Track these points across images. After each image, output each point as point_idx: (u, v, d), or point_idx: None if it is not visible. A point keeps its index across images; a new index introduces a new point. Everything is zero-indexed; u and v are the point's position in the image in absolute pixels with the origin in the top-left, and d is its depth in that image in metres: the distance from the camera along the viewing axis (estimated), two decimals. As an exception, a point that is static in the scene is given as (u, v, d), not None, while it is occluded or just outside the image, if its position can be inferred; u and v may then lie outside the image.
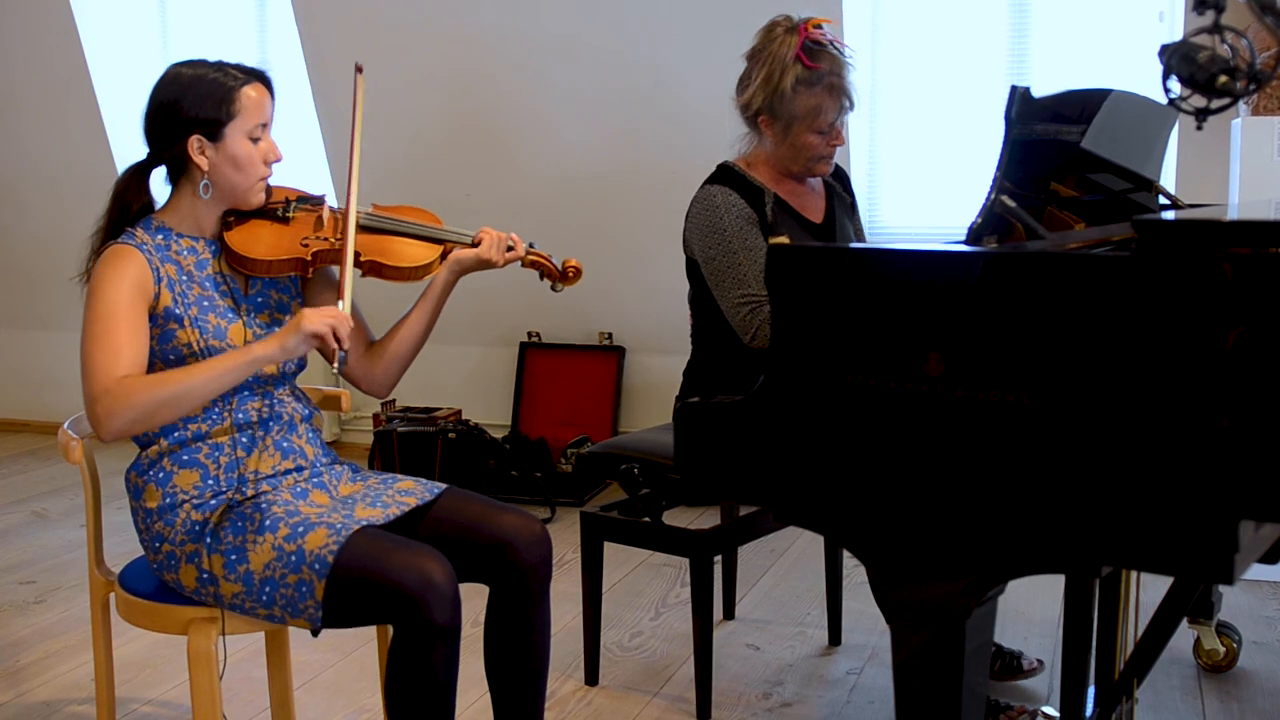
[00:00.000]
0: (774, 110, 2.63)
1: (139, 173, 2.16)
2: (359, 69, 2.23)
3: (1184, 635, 2.92)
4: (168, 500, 2.07)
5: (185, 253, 2.12)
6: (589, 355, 4.93)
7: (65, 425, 2.17)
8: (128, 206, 2.14)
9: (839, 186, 2.88)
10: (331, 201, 2.24)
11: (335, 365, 2.04)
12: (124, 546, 3.58)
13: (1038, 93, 1.86)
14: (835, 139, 2.66)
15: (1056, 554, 1.55)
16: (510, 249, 2.26)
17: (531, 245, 2.33)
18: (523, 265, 2.33)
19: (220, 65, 2.11)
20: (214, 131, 2.07)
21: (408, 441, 4.45)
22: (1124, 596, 2.39)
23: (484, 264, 2.24)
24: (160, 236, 2.11)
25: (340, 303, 2.07)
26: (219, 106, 2.06)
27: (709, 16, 4.22)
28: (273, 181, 2.19)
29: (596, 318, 4.89)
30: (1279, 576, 3.46)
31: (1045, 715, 2.57)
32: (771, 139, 2.68)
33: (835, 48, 2.62)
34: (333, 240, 2.17)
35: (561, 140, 4.69)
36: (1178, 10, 4.01)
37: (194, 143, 2.07)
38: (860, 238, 2.98)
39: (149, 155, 2.14)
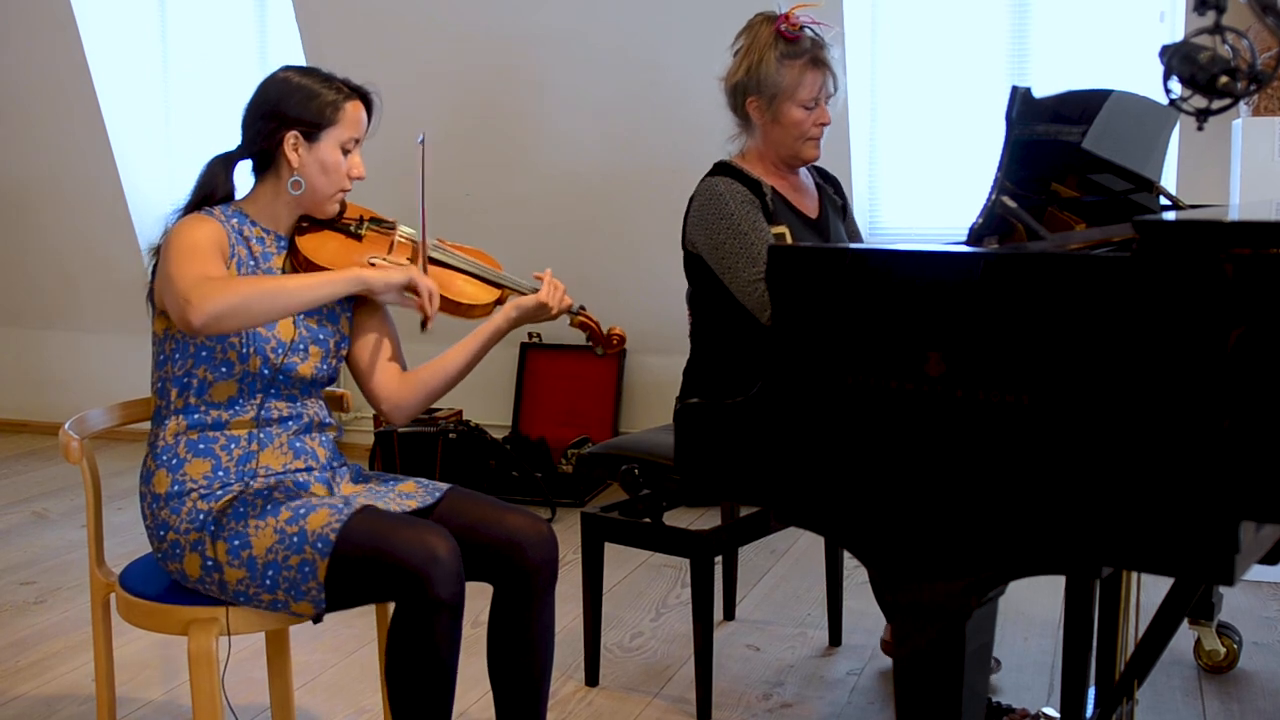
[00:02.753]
0: (760, 86, 2.68)
1: (225, 163, 2.20)
2: (422, 143, 2.29)
3: (1184, 636, 2.92)
4: (176, 488, 2.08)
5: (255, 240, 2.17)
6: (589, 355, 4.93)
7: (66, 425, 2.17)
8: (211, 194, 2.19)
9: (830, 189, 2.91)
10: (403, 228, 2.30)
11: (426, 329, 2.11)
12: (124, 547, 3.59)
13: (1038, 93, 1.86)
14: (821, 116, 2.71)
15: (1057, 554, 1.55)
16: (563, 299, 2.31)
17: (582, 307, 2.40)
18: (571, 324, 2.40)
19: (329, 78, 2.18)
20: (312, 133, 2.13)
21: (408, 442, 4.45)
22: (1124, 597, 2.39)
23: (541, 309, 2.27)
24: (235, 220, 2.16)
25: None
26: (322, 111, 2.14)
27: (710, 15, 4.22)
28: (349, 199, 2.24)
29: (597, 318, 4.89)
30: (1279, 577, 3.46)
31: (1045, 715, 2.57)
32: (759, 121, 2.72)
33: (813, 30, 2.70)
34: (401, 264, 2.22)
35: (562, 139, 4.69)
36: (1178, 10, 4.01)
37: (290, 138, 2.12)
38: (856, 239, 3.00)
39: (239, 147, 2.19)
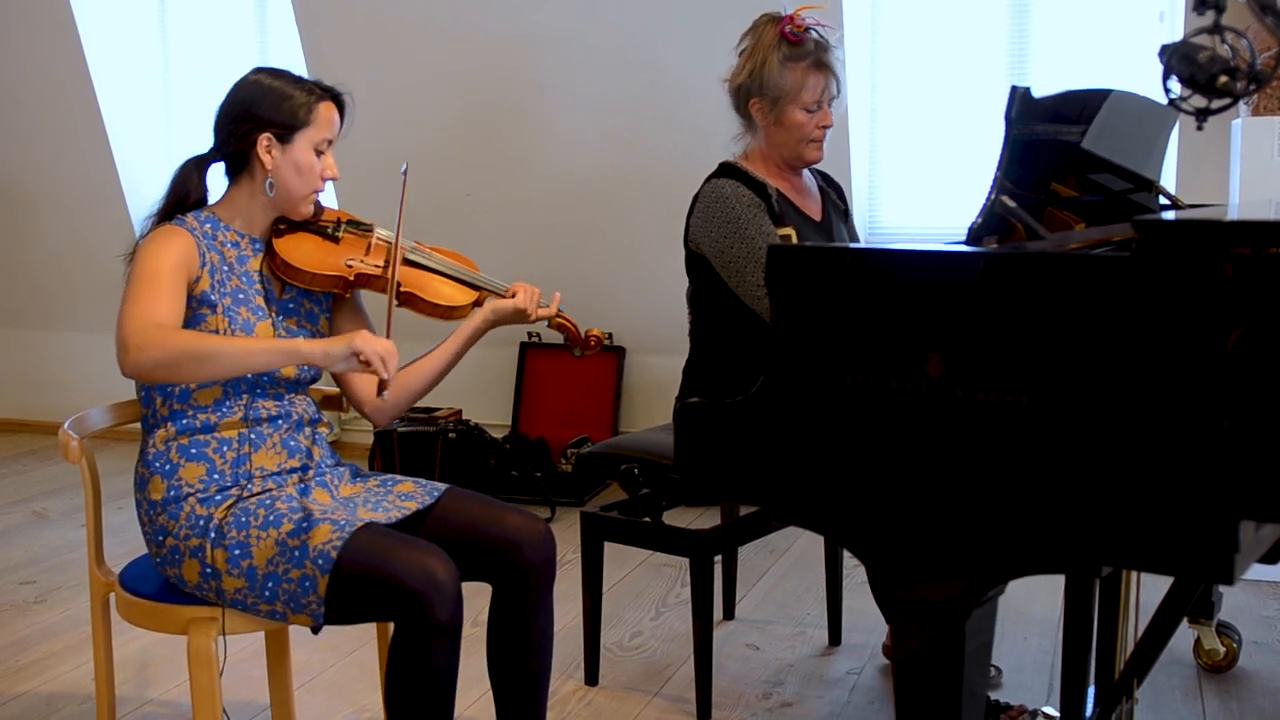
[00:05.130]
0: (763, 88, 2.68)
1: (199, 165, 2.21)
2: (405, 172, 2.30)
3: (1184, 635, 2.92)
4: (172, 493, 2.07)
5: (229, 245, 2.16)
6: (589, 355, 4.92)
7: (65, 425, 2.17)
8: (185, 197, 2.19)
9: (833, 194, 2.91)
10: (380, 230, 2.30)
11: (382, 394, 2.07)
12: (124, 546, 3.59)
13: (1038, 93, 1.86)
14: (824, 119, 2.71)
15: (1056, 554, 1.55)
16: (544, 306, 2.34)
17: (560, 309, 2.40)
18: (550, 325, 2.40)
19: (301, 80, 2.18)
20: (285, 135, 2.13)
21: (408, 441, 4.45)
22: (1124, 596, 2.39)
23: (519, 315, 2.30)
24: (209, 225, 2.16)
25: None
26: (295, 113, 2.14)
27: (710, 15, 4.22)
28: (327, 202, 2.25)
29: (596, 318, 4.89)
30: (1279, 576, 3.46)
31: (1045, 715, 2.57)
32: (762, 123, 2.72)
33: (817, 31, 2.70)
34: (378, 267, 2.23)
35: (562, 140, 4.69)
36: (1178, 10, 4.01)
37: (264, 140, 2.12)
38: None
39: (212, 149, 2.19)
